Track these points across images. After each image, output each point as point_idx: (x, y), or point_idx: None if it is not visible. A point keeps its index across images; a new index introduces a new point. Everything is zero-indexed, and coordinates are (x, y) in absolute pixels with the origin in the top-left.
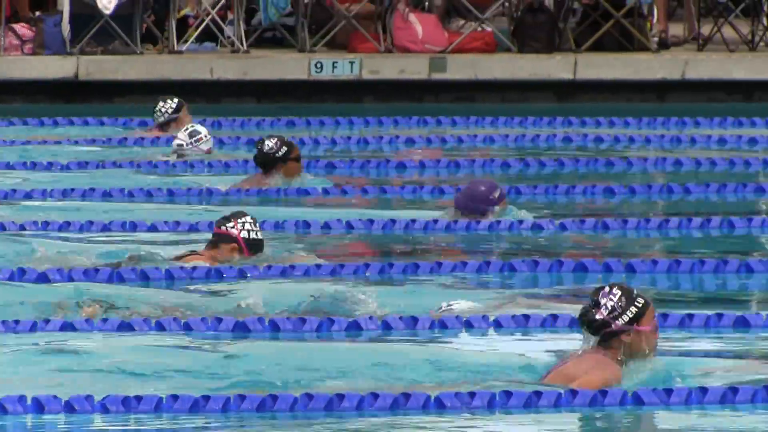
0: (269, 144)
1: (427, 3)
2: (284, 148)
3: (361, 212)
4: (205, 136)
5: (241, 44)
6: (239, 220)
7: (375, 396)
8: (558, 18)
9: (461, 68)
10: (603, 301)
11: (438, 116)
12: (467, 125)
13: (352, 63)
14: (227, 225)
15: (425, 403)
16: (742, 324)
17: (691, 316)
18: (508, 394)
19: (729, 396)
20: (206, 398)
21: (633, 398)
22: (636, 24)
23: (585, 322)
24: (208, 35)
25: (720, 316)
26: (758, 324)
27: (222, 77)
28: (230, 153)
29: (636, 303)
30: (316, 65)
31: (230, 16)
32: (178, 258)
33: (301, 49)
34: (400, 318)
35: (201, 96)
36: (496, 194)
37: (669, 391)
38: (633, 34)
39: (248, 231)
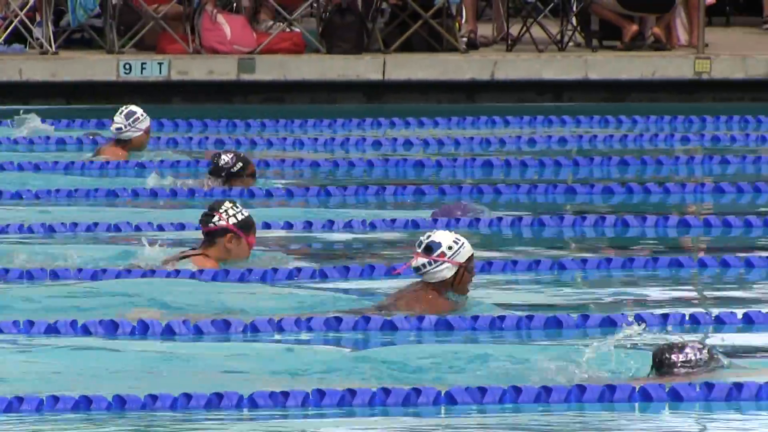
0: (225, 159)
1: (235, 4)
2: (240, 164)
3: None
4: (142, 115)
5: (50, 46)
6: (221, 210)
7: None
8: (366, 18)
9: (270, 69)
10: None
11: (247, 118)
12: (276, 128)
13: (160, 64)
14: (214, 221)
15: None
16: (554, 325)
17: (502, 318)
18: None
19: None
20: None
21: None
22: (444, 24)
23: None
24: (17, 37)
25: (531, 318)
26: (570, 325)
27: (31, 78)
28: (41, 154)
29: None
30: (124, 66)
31: (38, 18)
32: (177, 259)
33: (109, 51)
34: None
35: (10, 97)
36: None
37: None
38: (442, 35)
39: (235, 215)
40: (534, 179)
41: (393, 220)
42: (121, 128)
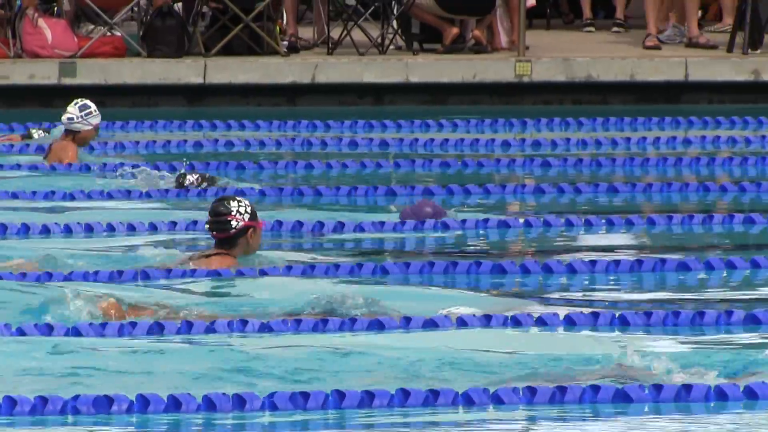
0: (190, 179)
1: (56, 8)
2: (204, 184)
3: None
4: (95, 110)
5: None
6: (232, 212)
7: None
8: (187, 22)
9: (91, 73)
10: None
11: None
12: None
13: None
14: (232, 225)
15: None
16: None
17: (325, 321)
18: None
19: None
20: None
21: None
22: (265, 28)
23: None
24: None
25: (354, 321)
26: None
27: None
28: None
29: None
30: None
31: None
32: (198, 258)
33: None
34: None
35: None
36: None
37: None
38: (262, 38)
39: (246, 210)
40: (354, 182)
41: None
42: (72, 119)
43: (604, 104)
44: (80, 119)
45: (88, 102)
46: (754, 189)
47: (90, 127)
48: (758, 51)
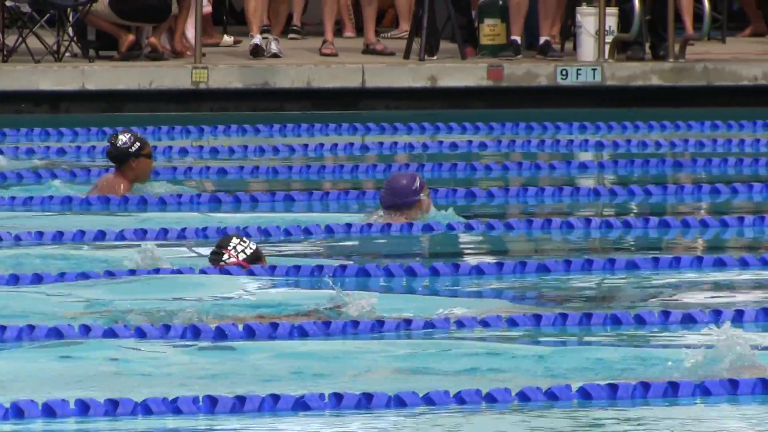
0: (123, 139)
1: None
2: (137, 144)
3: None
4: None
5: None
6: (229, 248)
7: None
8: None
9: None
10: None
11: None
12: None
13: None
14: (224, 259)
15: None
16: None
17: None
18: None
19: None
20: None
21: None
22: None
23: None
24: None
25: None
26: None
27: None
28: None
29: None
30: None
31: None
32: None
33: None
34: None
35: None
36: (418, 183)
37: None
38: None
39: (243, 251)
40: (24, 192)
41: None
42: None
43: (281, 111)
44: None
45: None
46: (445, 195)
47: None
48: (434, 57)
